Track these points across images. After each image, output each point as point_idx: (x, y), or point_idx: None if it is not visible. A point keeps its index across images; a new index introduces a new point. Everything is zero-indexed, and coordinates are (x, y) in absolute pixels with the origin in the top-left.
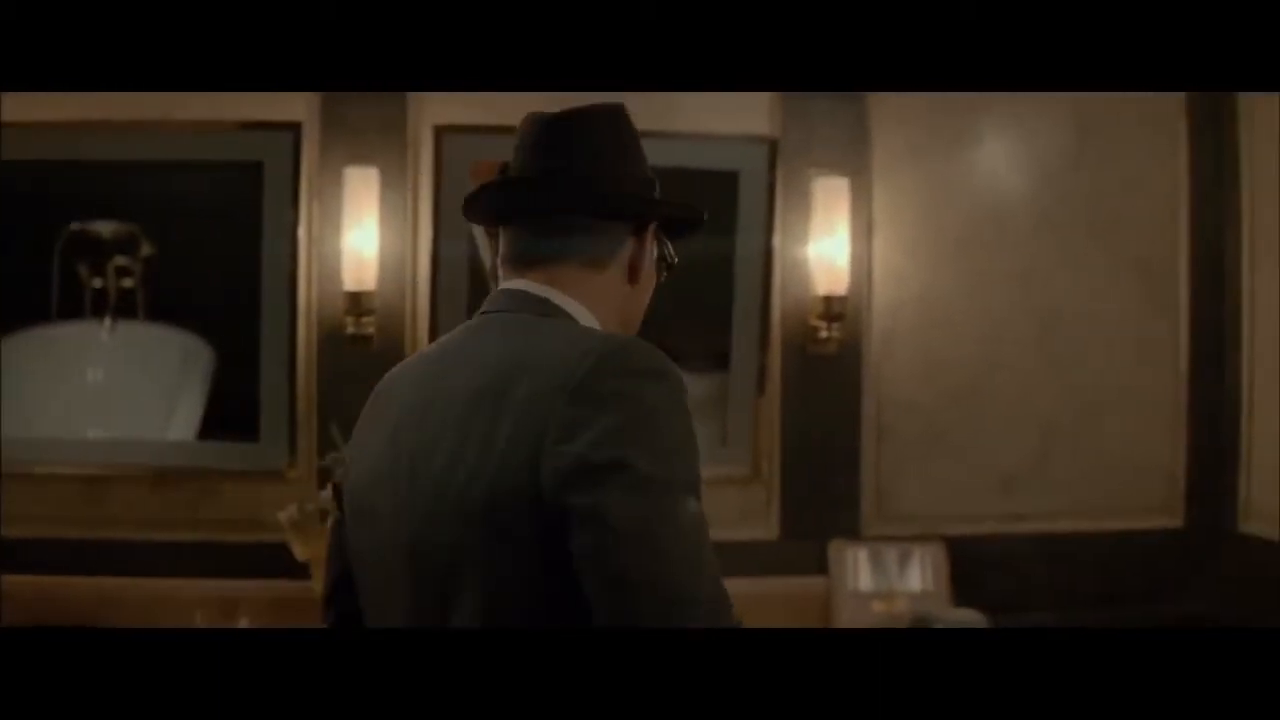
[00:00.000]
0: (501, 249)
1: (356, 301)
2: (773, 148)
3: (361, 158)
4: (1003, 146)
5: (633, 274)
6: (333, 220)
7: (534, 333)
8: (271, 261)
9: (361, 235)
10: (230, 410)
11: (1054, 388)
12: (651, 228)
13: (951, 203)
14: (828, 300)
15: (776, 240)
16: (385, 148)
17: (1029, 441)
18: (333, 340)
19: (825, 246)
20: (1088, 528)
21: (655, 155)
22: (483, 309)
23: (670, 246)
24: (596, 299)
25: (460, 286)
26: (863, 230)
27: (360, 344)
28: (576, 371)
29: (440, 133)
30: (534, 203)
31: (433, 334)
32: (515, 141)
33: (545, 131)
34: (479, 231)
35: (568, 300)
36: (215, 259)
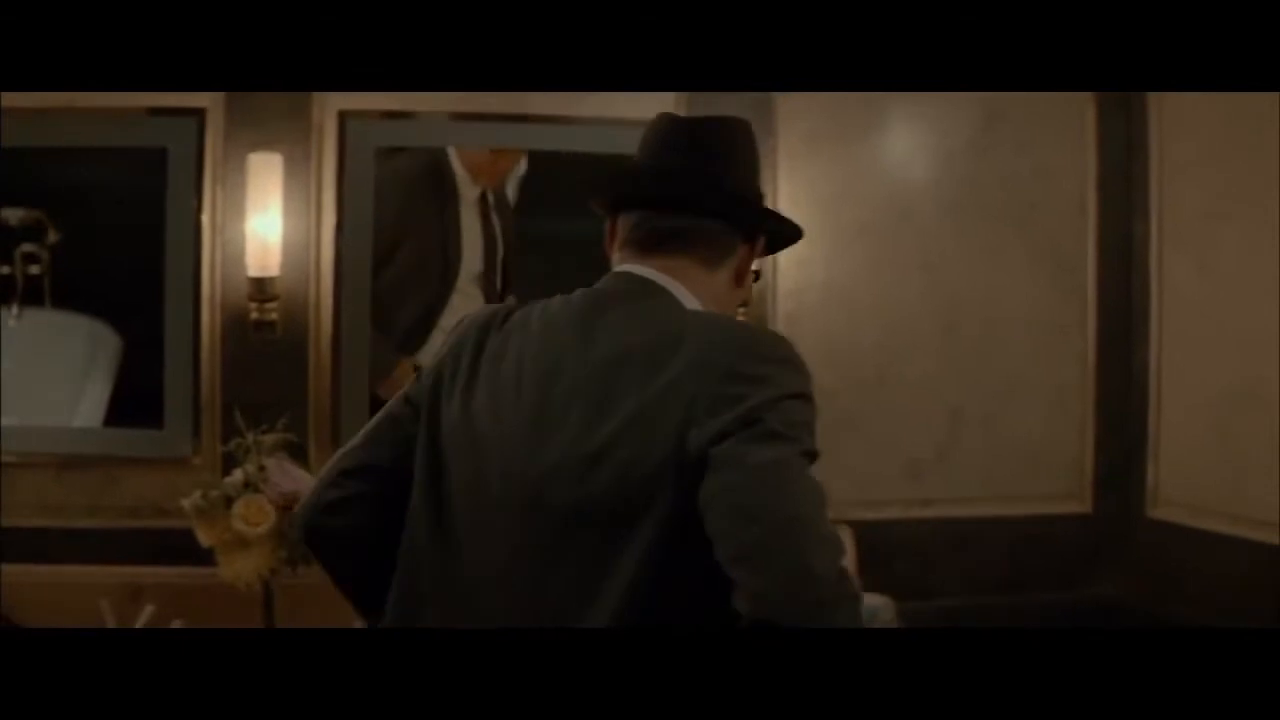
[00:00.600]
0: (621, 233)
1: (260, 287)
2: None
3: (265, 143)
4: (908, 133)
5: (739, 279)
6: (237, 206)
7: (668, 316)
8: (175, 248)
9: (265, 221)
10: (135, 397)
11: (961, 374)
12: (760, 239)
13: (855, 190)
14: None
15: None
16: (289, 134)
17: (936, 427)
18: (237, 326)
19: None
20: (995, 513)
21: (557, 141)
22: (600, 286)
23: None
24: (706, 295)
25: (363, 272)
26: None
27: (264, 330)
28: (724, 355)
29: (344, 118)
30: (666, 194)
31: (335, 319)
32: (647, 135)
33: (684, 132)
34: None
35: (683, 292)
36: (121, 245)
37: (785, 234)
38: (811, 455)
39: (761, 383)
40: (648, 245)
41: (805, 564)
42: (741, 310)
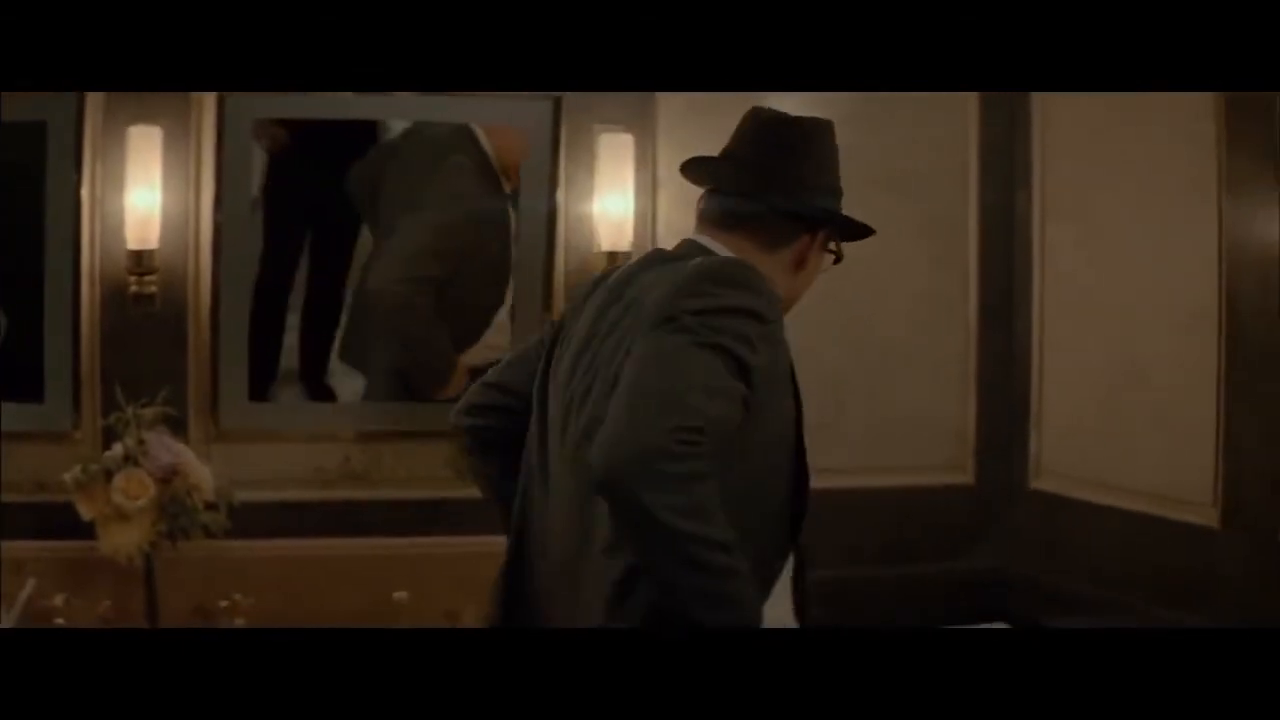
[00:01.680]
0: (699, 208)
1: (139, 260)
2: (557, 104)
3: (145, 117)
4: (787, 103)
5: (799, 264)
6: (116, 179)
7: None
8: (55, 221)
9: (145, 194)
10: (15, 371)
11: (843, 344)
12: (830, 229)
13: None
14: (612, 256)
15: (561, 196)
16: (168, 107)
17: (818, 397)
18: (116, 300)
19: (610, 202)
20: (878, 484)
21: (445, 111)
22: (669, 250)
23: (840, 245)
24: (764, 269)
25: (247, 244)
26: (647, 186)
27: (143, 303)
28: (683, 278)
29: (223, 93)
30: (728, 181)
31: (214, 293)
32: (739, 125)
33: (764, 127)
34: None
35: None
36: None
37: (856, 228)
38: (720, 349)
39: (699, 296)
40: (714, 221)
41: (624, 433)
42: None
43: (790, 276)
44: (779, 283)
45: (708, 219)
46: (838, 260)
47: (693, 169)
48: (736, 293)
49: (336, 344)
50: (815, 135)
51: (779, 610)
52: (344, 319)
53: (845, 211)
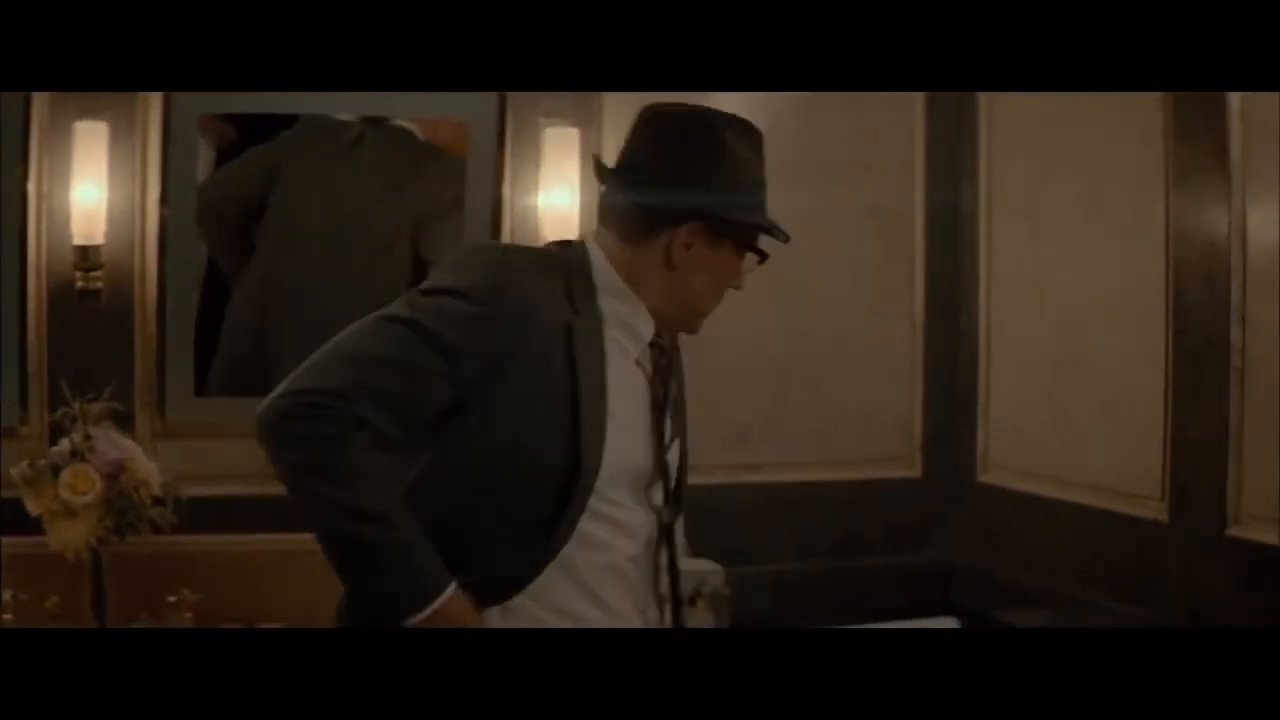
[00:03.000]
0: None
1: (85, 255)
2: (502, 97)
3: (91, 112)
4: (732, 95)
5: (667, 261)
6: (62, 175)
7: None
8: (1, 217)
9: (91, 190)
10: None
11: (787, 337)
12: (699, 224)
13: None
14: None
15: (506, 190)
16: (115, 102)
17: (762, 391)
18: (62, 295)
19: (555, 196)
20: (824, 477)
21: (387, 105)
22: None
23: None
24: (624, 267)
25: (193, 240)
26: (592, 180)
27: (89, 299)
28: None
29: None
30: (599, 173)
31: (160, 288)
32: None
33: (642, 121)
34: None
35: (599, 256)
36: None
37: (738, 225)
38: (409, 323)
39: (431, 278)
40: (598, 216)
41: (274, 391)
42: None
43: (664, 273)
44: (653, 281)
45: (598, 214)
46: (761, 260)
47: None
48: (455, 274)
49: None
50: (698, 129)
51: (615, 597)
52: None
53: (788, 205)
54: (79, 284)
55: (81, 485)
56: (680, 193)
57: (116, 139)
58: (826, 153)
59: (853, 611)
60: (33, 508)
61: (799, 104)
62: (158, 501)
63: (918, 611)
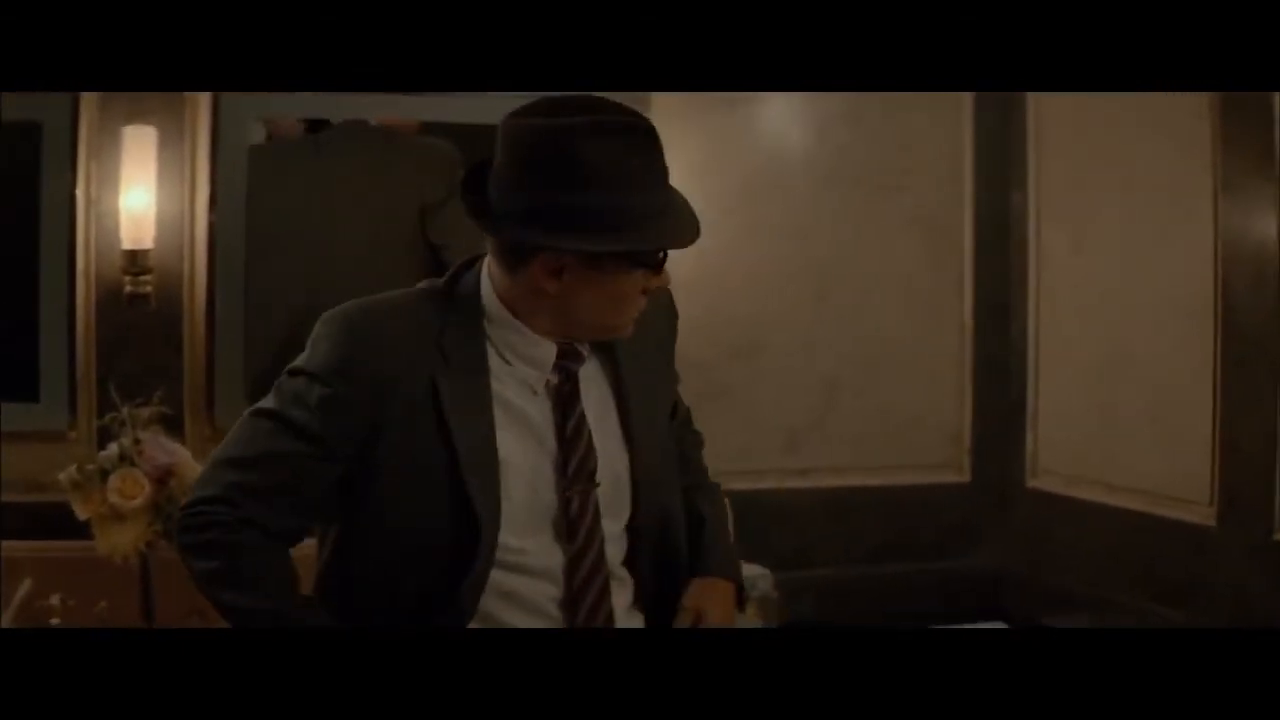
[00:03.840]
0: None
1: (134, 260)
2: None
3: (139, 116)
4: (781, 102)
5: (541, 289)
6: (111, 180)
7: None
8: (50, 222)
9: (139, 194)
10: (11, 372)
11: (836, 344)
12: (579, 253)
13: (730, 158)
14: None
15: None
16: (163, 106)
17: (812, 397)
18: (111, 300)
19: None
20: (873, 483)
21: (427, 110)
22: None
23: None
24: (513, 298)
25: (238, 245)
26: None
27: (138, 303)
28: None
29: (218, 92)
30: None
31: (209, 292)
32: None
33: (503, 135)
34: None
35: (487, 285)
36: None
37: (568, 246)
38: (266, 413)
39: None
40: None
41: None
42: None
43: (545, 300)
44: (538, 308)
45: None
46: (655, 269)
47: None
48: (310, 352)
49: None
50: (547, 143)
51: None
52: None
53: (837, 212)
54: (128, 289)
55: (130, 490)
56: (528, 221)
57: (165, 143)
58: (874, 160)
59: (901, 616)
60: (81, 512)
61: (845, 112)
62: None
63: (966, 616)
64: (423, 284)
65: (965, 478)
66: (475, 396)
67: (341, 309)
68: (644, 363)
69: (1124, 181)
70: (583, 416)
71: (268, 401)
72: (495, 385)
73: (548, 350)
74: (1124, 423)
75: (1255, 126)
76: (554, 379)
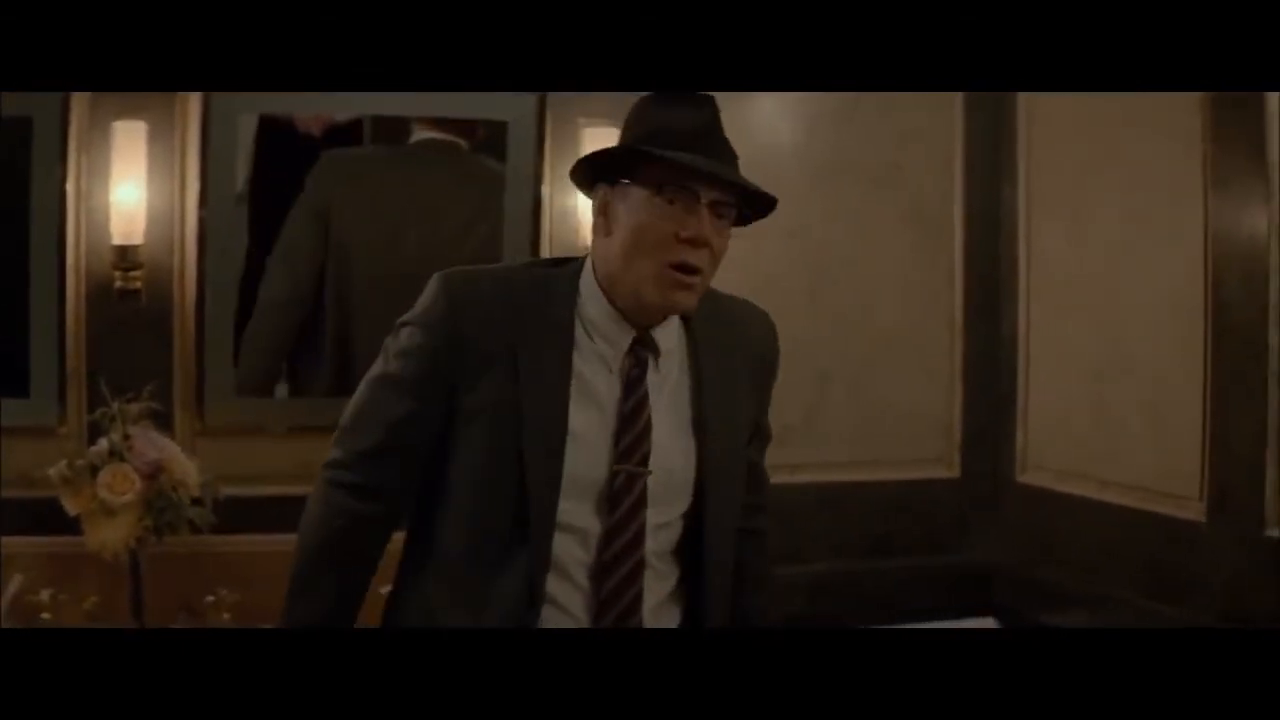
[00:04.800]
0: None
1: (124, 255)
2: (541, 98)
3: (130, 111)
4: (774, 98)
5: (598, 217)
6: (101, 175)
7: None
8: (40, 217)
9: (130, 190)
10: (0, 367)
11: (828, 339)
12: (603, 184)
13: None
14: None
15: (545, 191)
16: (154, 102)
17: (803, 393)
18: (101, 295)
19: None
20: (864, 478)
21: (428, 106)
22: None
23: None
24: (600, 265)
25: (233, 240)
26: None
27: (128, 299)
28: None
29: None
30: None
31: (200, 288)
32: None
33: None
34: None
35: (588, 264)
36: None
37: (626, 156)
38: (371, 379)
39: None
40: None
41: None
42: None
43: (601, 240)
44: (608, 266)
45: None
46: (689, 212)
47: None
48: (416, 305)
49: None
50: (645, 102)
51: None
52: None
53: (829, 208)
54: (118, 284)
55: (120, 485)
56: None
57: (155, 139)
58: (866, 155)
59: (892, 612)
60: (71, 508)
61: (839, 108)
62: (196, 501)
63: (957, 612)
64: (534, 260)
65: (956, 473)
66: (554, 367)
67: (449, 270)
68: (729, 374)
69: (1115, 177)
70: (644, 400)
71: (376, 366)
72: (576, 359)
73: (625, 330)
74: (1115, 418)
75: (1246, 122)
76: (629, 361)
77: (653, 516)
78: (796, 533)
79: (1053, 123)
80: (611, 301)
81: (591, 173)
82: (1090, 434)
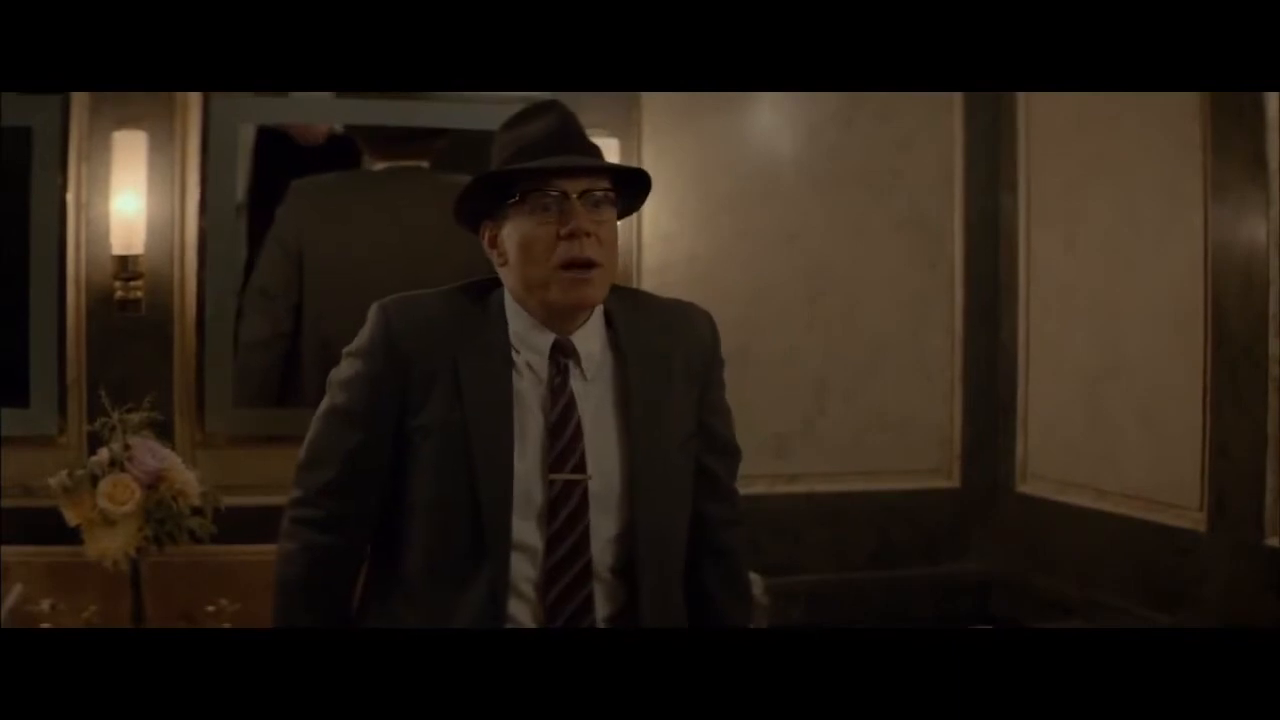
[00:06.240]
0: None
1: (125, 265)
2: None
3: (130, 121)
4: (773, 103)
5: (490, 250)
6: (101, 185)
7: None
8: (40, 227)
9: (130, 199)
10: (1, 377)
11: (826, 348)
12: (496, 213)
13: (721, 162)
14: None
15: None
16: (153, 111)
17: (801, 402)
18: (101, 305)
19: None
20: (863, 488)
21: (430, 117)
22: None
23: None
24: (500, 275)
25: (233, 250)
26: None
27: (129, 308)
28: None
29: (209, 95)
30: None
31: (200, 298)
32: None
33: None
34: None
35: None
36: None
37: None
38: (322, 413)
39: None
40: None
41: None
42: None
43: (505, 270)
44: (512, 284)
45: None
46: (560, 214)
47: None
48: (356, 338)
49: None
50: (499, 130)
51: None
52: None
53: (827, 215)
54: (118, 294)
55: (120, 495)
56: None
57: (155, 148)
58: (865, 162)
59: (892, 621)
60: (71, 517)
61: (836, 114)
62: (196, 511)
63: (956, 621)
64: (471, 280)
65: (955, 482)
66: (494, 384)
67: (387, 298)
68: (660, 376)
69: (1114, 185)
70: (570, 404)
71: (324, 401)
72: (514, 375)
73: (547, 337)
74: (1114, 427)
75: (1245, 130)
76: (552, 369)
77: (602, 528)
78: (795, 542)
79: (1052, 130)
80: (531, 314)
81: (470, 215)
82: (1089, 443)
